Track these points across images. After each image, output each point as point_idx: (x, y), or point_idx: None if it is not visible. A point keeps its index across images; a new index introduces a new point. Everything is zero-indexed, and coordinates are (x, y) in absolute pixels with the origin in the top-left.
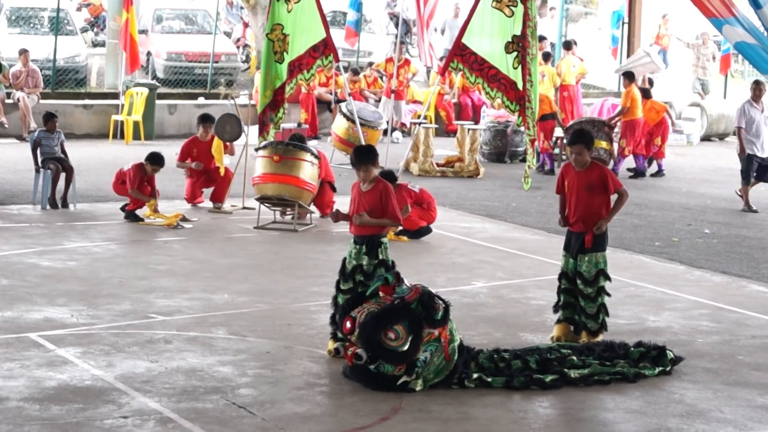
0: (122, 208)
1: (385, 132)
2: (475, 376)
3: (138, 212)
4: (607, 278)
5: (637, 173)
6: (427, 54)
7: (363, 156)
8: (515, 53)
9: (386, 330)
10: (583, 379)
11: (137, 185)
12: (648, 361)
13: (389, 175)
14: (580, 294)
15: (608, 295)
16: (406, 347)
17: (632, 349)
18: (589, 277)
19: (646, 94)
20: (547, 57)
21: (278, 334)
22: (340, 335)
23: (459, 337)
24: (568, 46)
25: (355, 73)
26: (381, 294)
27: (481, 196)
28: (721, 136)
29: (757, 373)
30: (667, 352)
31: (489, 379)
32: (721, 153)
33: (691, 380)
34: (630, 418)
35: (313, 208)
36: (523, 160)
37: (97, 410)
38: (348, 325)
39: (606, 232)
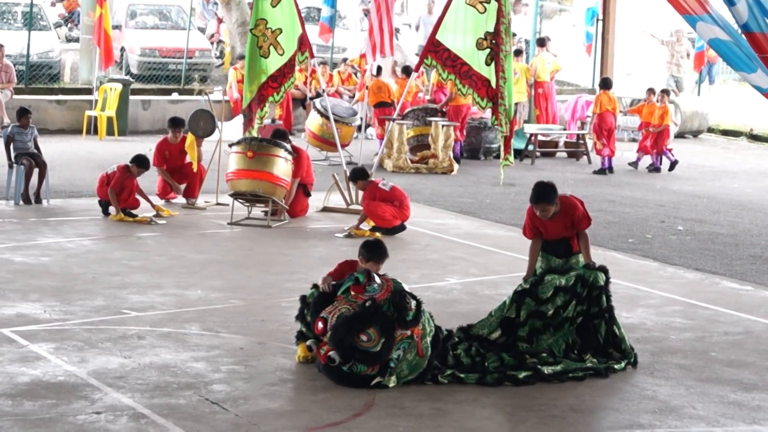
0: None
1: (359, 128)
2: (448, 372)
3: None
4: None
5: (655, 169)
6: (379, 49)
7: (374, 251)
8: (488, 50)
9: (359, 333)
10: (556, 376)
11: (119, 187)
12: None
13: (361, 172)
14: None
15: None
16: (378, 348)
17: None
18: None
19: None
20: (518, 54)
21: (251, 330)
22: (309, 335)
23: (434, 325)
24: (542, 42)
25: (407, 72)
26: (352, 293)
27: (455, 192)
28: (695, 133)
29: (729, 369)
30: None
31: (462, 376)
32: (695, 150)
33: (664, 377)
34: (603, 414)
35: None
36: (497, 157)
37: (70, 406)
38: (320, 325)
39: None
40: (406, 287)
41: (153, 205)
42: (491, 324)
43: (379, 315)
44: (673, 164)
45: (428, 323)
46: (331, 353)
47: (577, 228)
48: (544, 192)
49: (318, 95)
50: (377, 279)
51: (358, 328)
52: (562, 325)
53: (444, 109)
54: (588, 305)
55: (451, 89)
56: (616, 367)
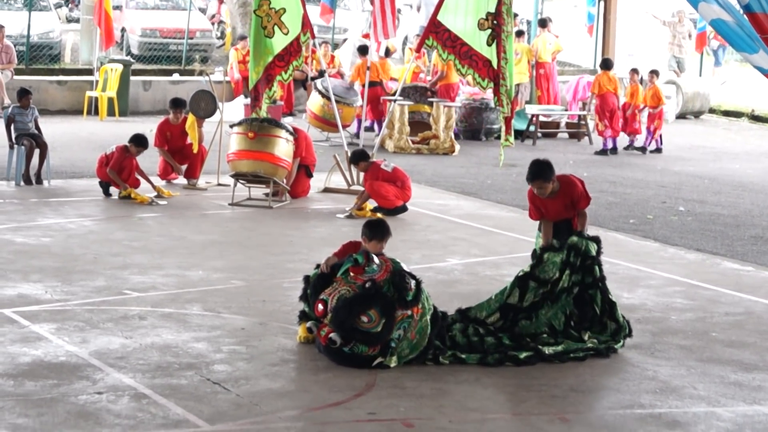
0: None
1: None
2: (449, 353)
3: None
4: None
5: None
6: (382, 30)
7: (377, 230)
8: (489, 30)
9: (359, 314)
10: (557, 356)
11: (118, 167)
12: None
13: (361, 154)
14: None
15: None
16: (379, 329)
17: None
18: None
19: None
20: (520, 34)
21: (253, 311)
22: (311, 316)
23: (432, 303)
24: (543, 23)
25: (363, 51)
26: (351, 274)
27: (457, 173)
28: (697, 114)
29: (730, 349)
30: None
31: (463, 356)
32: (696, 130)
33: (665, 357)
34: (604, 394)
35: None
36: (499, 138)
37: (72, 386)
38: (320, 307)
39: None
40: (405, 267)
41: (153, 186)
42: (490, 307)
43: (379, 296)
44: (657, 150)
45: (427, 301)
46: (332, 335)
47: (576, 207)
48: (539, 169)
49: (321, 74)
50: (376, 259)
51: (359, 310)
52: (560, 296)
53: (434, 89)
54: (582, 275)
55: (442, 68)
56: (616, 346)
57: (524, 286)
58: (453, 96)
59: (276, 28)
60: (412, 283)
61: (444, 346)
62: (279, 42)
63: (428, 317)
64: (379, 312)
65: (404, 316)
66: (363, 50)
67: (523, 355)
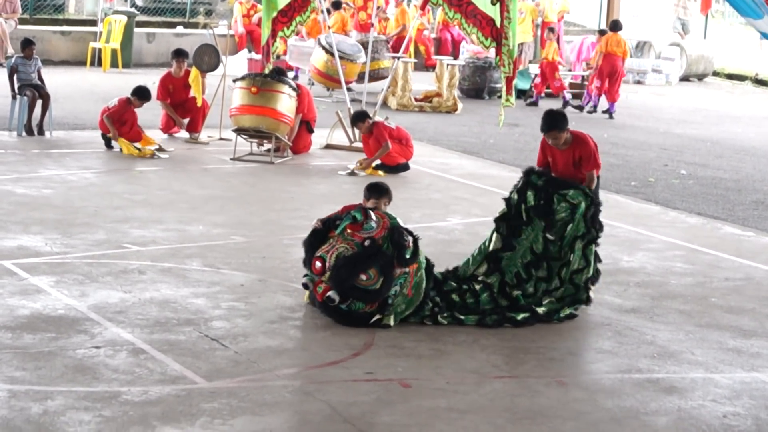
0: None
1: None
2: (446, 313)
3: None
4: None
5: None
6: None
7: (374, 189)
8: None
9: (360, 273)
10: (551, 314)
11: (118, 117)
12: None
13: (362, 115)
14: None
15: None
16: (378, 286)
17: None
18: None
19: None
20: None
21: (252, 267)
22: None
23: (425, 257)
24: None
25: (336, 6)
26: (349, 230)
27: (459, 132)
28: (700, 77)
29: (729, 315)
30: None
31: (462, 317)
32: (699, 93)
33: (664, 321)
34: (601, 358)
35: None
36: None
37: (70, 340)
38: (318, 265)
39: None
40: (402, 222)
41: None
42: (476, 261)
43: (379, 254)
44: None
45: (421, 255)
46: (330, 293)
47: (584, 167)
48: (553, 119)
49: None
50: (373, 216)
51: (360, 269)
52: (533, 220)
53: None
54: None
55: (403, 21)
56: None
57: (499, 228)
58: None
59: None
60: (410, 239)
61: (442, 304)
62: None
63: (423, 271)
64: (378, 270)
65: (401, 272)
66: (336, 5)
67: (520, 316)
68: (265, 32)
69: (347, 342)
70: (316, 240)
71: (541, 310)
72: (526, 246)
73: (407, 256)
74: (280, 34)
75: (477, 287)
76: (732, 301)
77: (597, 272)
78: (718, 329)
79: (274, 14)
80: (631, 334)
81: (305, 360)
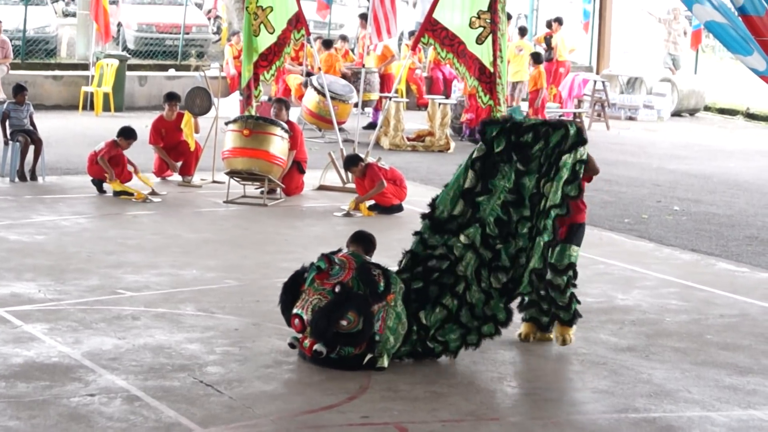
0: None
1: (356, 105)
2: (432, 335)
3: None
4: (576, 273)
5: None
6: (385, 29)
7: (357, 238)
8: (480, 29)
9: (338, 320)
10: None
11: (107, 157)
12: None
13: (355, 159)
14: (550, 285)
15: (575, 287)
16: (360, 327)
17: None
18: (560, 267)
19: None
20: (523, 32)
21: (246, 311)
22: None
23: (400, 284)
24: (560, 21)
25: (327, 45)
26: (317, 281)
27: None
28: (692, 112)
29: (725, 352)
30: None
31: (445, 339)
32: (691, 128)
33: (659, 360)
34: (597, 397)
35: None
36: None
37: (64, 388)
38: (297, 322)
39: (583, 227)
40: (367, 258)
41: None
42: (452, 199)
43: (352, 297)
44: None
45: (396, 284)
46: (316, 346)
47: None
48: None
49: (308, 75)
50: (336, 260)
51: (337, 317)
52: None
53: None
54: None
55: (391, 55)
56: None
57: (474, 165)
58: (389, 87)
59: (262, 26)
60: (378, 272)
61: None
62: (263, 41)
63: (401, 300)
64: (356, 311)
65: (380, 306)
66: (327, 44)
67: (485, 328)
68: (246, 75)
69: (342, 386)
70: (289, 298)
71: (500, 316)
72: (501, 187)
73: (380, 291)
74: (261, 78)
75: (457, 251)
76: (728, 338)
77: (575, 314)
78: (714, 367)
79: (256, 57)
80: (627, 372)
81: (300, 405)
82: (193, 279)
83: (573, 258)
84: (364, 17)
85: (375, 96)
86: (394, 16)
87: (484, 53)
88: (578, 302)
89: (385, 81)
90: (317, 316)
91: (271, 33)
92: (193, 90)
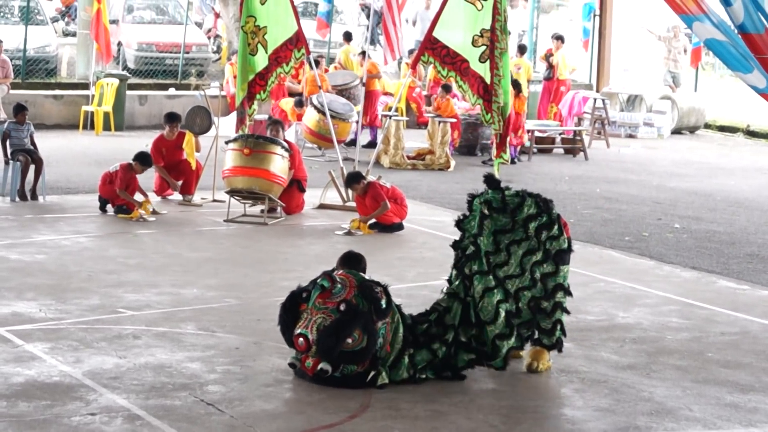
0: (117, 210)
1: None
2: (424, 365)
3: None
4: (568, 293)
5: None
6: (397, 48)
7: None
8: (483, 47)
9: (345, 339)
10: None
11: (125, 186)
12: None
13: (357, 176)
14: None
15: (567, 312)
16: (364, 344)
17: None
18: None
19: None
20: (522, 50)
21: (247, 330)
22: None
23: (394, 304)
24: (561, 39)
25: (317, 64)
26: (319, 300)
27: (452, 189)
28: (692, 129)
29: (726, 370)
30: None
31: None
32: (692, 146)
33: (660, 378)
34: (598, 416)
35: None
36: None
37: (65, 407)
38: (301, 341)
39: (570, 246)
40: (366, 276)
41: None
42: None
43: (359, 315)
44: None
45: (392, 301)
46: (321, 365)
47: None
48: None
49: (300, 100)
50: (338, 278)
51: (345, 334)
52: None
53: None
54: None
55: (377, 71)
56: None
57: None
58: (373, 104)
59: (259, 45)
60: (380, 289)
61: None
62: (261, 60)
63: (398, 315)
64: (362, 329)
65: (382, 323)
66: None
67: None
68: (240, 94)
69: (343, 404)
70: (289, 318)
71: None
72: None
73: (383, 307)
74: (257, 97)
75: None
76: (729, 355)
77: (558, 342)
78: (716, 384)
79: (252, 77)
80: (628, 391)
81: (301, 424)
82: (194, 298)
83: (560, 279)
84: (347, 36)
85: (358, 108)
86: (397, 38)
87: (486, 72)
88: (564, 333)
89: (369, 98)
90: (324, 334)
91: (268, 53)
92: (194, 109)
